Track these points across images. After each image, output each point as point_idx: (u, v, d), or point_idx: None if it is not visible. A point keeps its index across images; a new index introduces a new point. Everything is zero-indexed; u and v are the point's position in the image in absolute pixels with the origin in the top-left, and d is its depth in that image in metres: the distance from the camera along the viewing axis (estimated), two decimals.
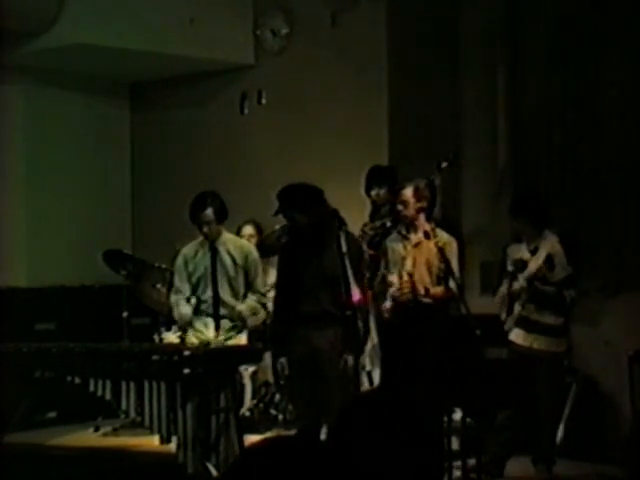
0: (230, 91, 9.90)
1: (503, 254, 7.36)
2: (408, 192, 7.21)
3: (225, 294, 7.38)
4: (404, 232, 7.29)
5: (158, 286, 8.64)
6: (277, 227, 8.42)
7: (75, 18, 8.85)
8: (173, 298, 7.52)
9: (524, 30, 8.93)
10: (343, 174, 8.78)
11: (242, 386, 8.35)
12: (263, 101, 9.66)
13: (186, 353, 6.68)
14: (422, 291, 7.09)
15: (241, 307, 7.41)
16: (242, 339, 7.42)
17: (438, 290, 7.14)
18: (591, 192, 8.53)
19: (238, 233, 8.67)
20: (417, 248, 7.20)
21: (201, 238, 7.43)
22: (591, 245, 8.44)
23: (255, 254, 7.54)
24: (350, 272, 6.27)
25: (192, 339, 7.26)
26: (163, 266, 8.59)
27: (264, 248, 8.57)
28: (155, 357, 6.74)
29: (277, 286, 6.98)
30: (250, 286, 7.43)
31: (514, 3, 8.97)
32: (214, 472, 6.55)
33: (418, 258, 7.18)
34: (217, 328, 7.30)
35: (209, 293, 7.37)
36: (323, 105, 9.28)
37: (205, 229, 7.30)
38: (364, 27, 9.03)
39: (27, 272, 9.72)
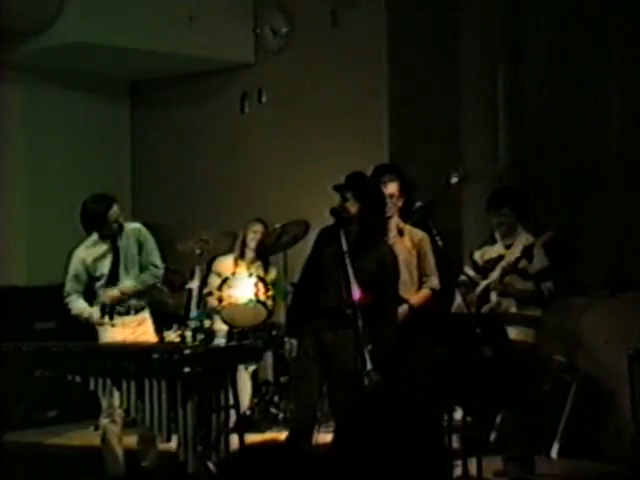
0: (230, 90, 9.90)
1: (470, 260, 7.34)
2: (393, 186, 7.24)
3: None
4: None
5: (158, 285, 8.62)
6: (277, 226, 8.41)
7: (75, 17, 8.85)
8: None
9: (524, 30, 8.93)
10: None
11: None
12: (263, 100, 9.65)
13: (186, 352, 6.68)
14: (406, 305, 7.02)
15: (126, 283, 7.36)
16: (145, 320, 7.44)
17: (421, 295, 7.13)
18: (591, 191, 8.54)
19: (245, 230, 8.65)
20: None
21: (94, 237, 7.36)
22: (591, 244, 8.45)
23: (144, 230, 7.47)
24: (350, 270, 6.24)
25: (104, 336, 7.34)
26: (163, 265, 8.57)
27: (264, 247, 8.56)
28: (155, 356, 6.74)
29: (302, 273, 6.84)
30: (146, 261, 7.41)
31: (514, 3, 8.98)
32: (215, 471, 6.55)
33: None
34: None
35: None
36: (323, 104, 9.27)
37: (107, 230, 7.27)
38: (364, 26, 9.03)
39: (27, 271, 9.72)
